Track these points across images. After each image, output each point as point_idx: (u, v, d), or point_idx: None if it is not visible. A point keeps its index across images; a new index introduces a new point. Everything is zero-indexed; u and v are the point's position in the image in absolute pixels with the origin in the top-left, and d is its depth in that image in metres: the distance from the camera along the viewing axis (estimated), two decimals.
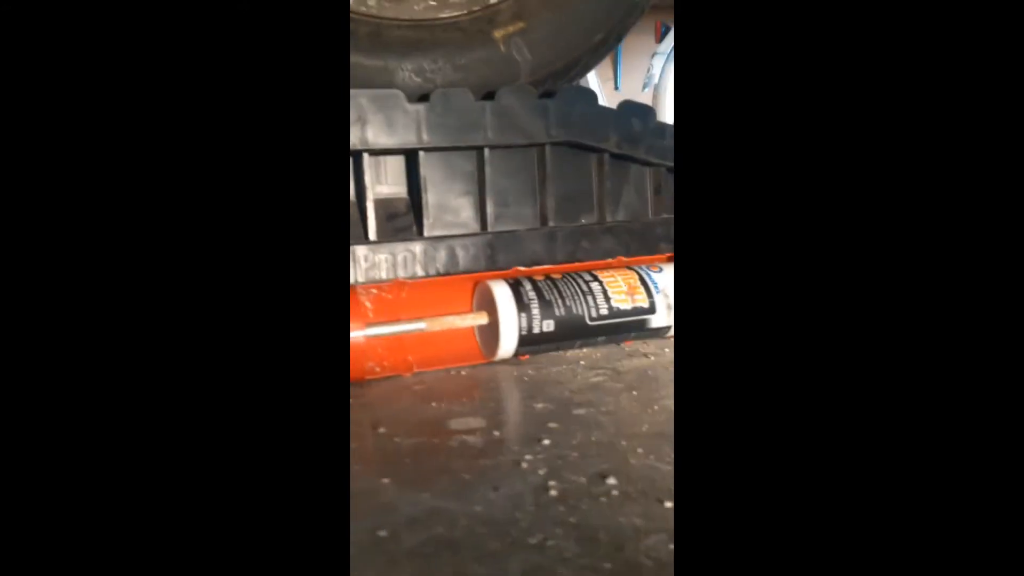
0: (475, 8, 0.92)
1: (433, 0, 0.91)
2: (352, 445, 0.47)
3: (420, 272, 0.90)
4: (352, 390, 0.61)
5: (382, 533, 0.34)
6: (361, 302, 0.62)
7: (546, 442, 0.44)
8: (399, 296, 0.66)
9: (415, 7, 0.91)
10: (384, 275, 0.88)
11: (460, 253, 0.91)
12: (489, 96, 0.89)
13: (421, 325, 0.64)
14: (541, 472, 0.39)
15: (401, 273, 0.89)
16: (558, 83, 0.97)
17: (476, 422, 0.49)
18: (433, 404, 0.55)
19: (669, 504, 0.34)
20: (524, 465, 0.40)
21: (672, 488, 0.36)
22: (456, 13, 0.92)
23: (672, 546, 0.30)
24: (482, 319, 0.65)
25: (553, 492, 0.37)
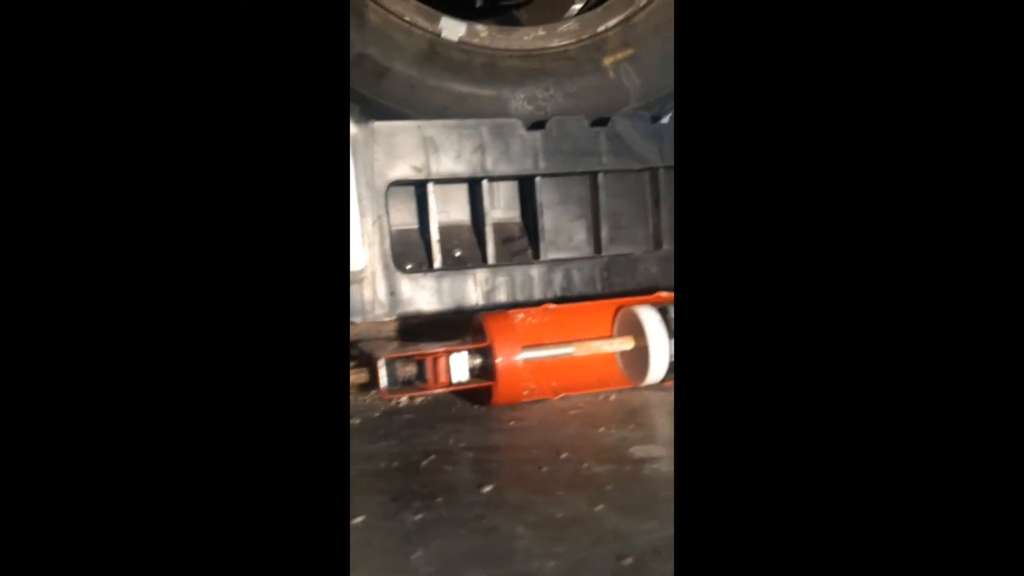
0: (584, 36, 0.94)
1: (543, 30, 0.93)
2: (543, 470, 0.47)
3: (538, 295, 0.90)
4: (511, 413, 0.61)
5: (627, 561, 0.35)
6: (516, 327, 0.63)
7: None
8: (543, 320, 0.66)
9: (525, 37, 0.93)
10: (503, 298, 0.89)
11: (576, 276, 0.91)
12: (602, 122, 0.90)
13: (570, 350, 0.64)
14: None
15: (520, 296, 0.90)
16: (665, 107, 0.98)
17: (658, 450, 0.49)
18: (601, 430, 0.55)
19: None
20: None
21: None
22: (566, 42, 0.94)
23: None
24: (628, 344, 0.65)
25: None
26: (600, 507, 0.41)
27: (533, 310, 0.66)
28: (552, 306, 0.67)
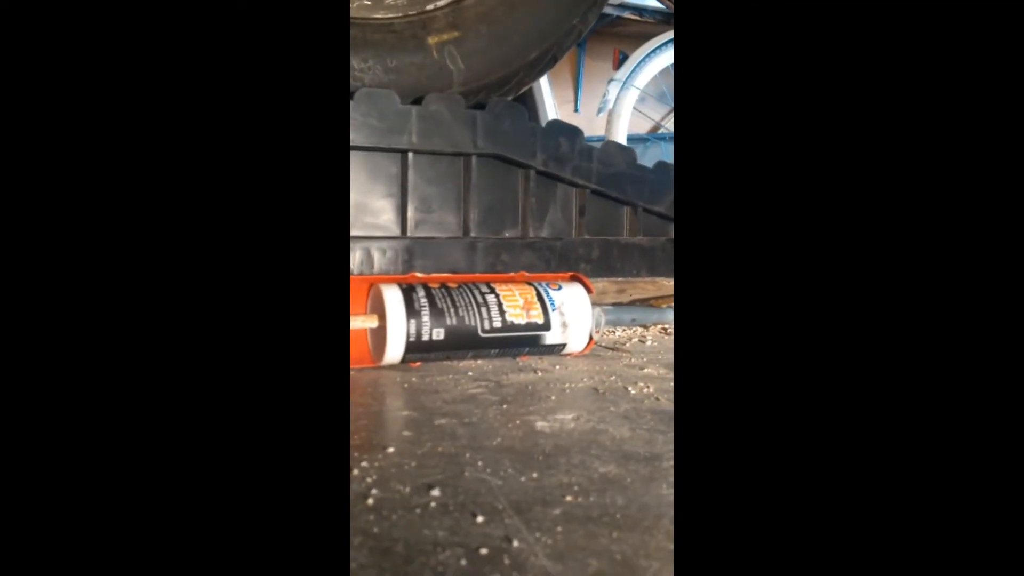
0: (411, 12, 0.92)
1: (368, 0, 0.91)
2: None
3: None
4: None
5: None
6: None
7: (390, 450, 0.43)
8: None
9: (351, 4, 0.90)
10: None
11: (376, 256, 0.89)
12: (417, 101, 0.89)
13: None
14: (369, 480, 0.38)
15: None
16: (491, 96, 0.97)
17: None
18: None
19: (481, 518, 0.33)
20: (355, 472, 0.39)
21: (492, 504, 0.35)
22: (392, 15, 0.91)
23: (464, 562, 0.29)
24: (372, 322, 0.64)
25: (370, 501, 0.35)
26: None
27: None
28: None
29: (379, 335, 0.64)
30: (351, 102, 0.86)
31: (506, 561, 0.29)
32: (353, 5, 0.90)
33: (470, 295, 0.65)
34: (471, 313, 0.64)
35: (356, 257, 0.88)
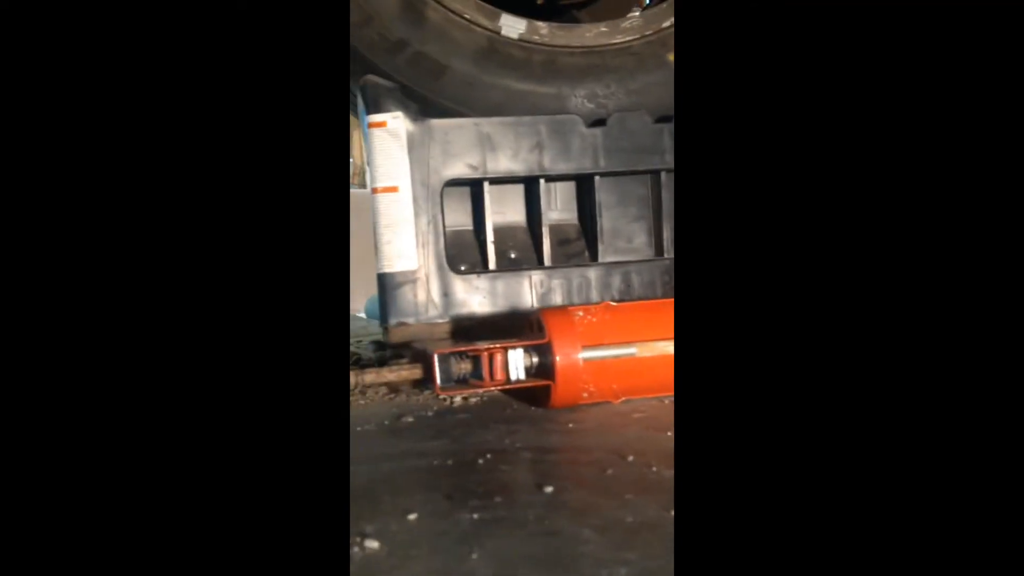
0: (648, 32, 0.91)
1: (605, 26, 0.91)
2: (607, 471, 0.44)
3: (595, 298, 0.87)
4: (569, 415, 0.58)
5: None
6: (576, 324, 0.60)
7: None
8: (603, 318, 0.63)
9: (587, 34, 0.91)
10: (559, 300, 0.86)
11: (635, 279, 0.87)
12: (666, 119, 0.87)
13: (632, 350, 0.60)
14: None
15: (576, 299, 0.87)
16: None
17: None
18: (668, 434, 0.51)
19: None
20: None
21: None
22: (629, 38, 0.91)
23: None
24: None
25: None
26: (672, 514, 0.37)
27: (593, 307, 0.62)
28: (613, 303, 0.63)
29: None
30: (602, 128, 0.86)
31: None
32: (590, 33, 0.91)
33: None
34: None
35: (616, 281, 0.87)
